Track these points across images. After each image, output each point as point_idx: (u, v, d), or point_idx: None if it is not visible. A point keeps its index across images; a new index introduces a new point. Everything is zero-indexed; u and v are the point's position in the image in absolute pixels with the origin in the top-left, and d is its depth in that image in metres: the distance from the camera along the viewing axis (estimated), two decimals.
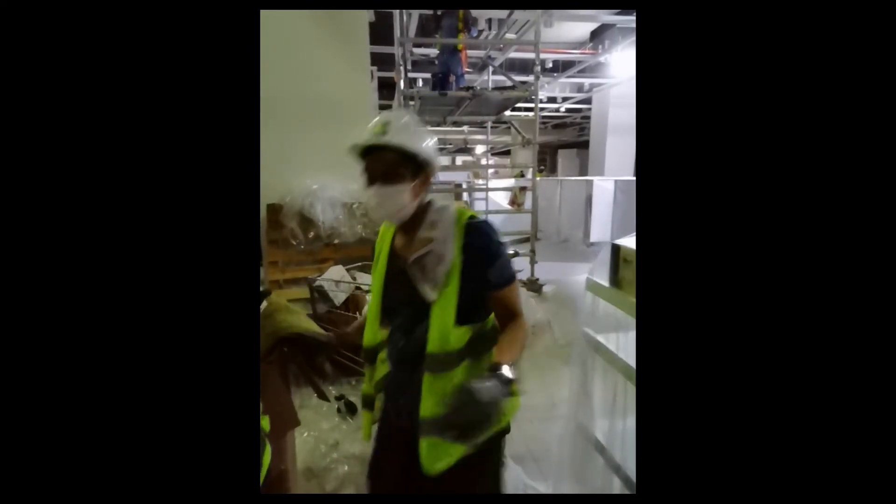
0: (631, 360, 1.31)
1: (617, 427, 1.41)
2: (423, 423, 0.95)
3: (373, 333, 1.11)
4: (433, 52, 5.71)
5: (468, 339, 0.99)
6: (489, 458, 1.06)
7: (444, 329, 0.95)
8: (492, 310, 1.05)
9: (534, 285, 4.57)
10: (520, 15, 5.68)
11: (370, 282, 1.12)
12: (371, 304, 1.10)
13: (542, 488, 1.92)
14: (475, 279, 0.96)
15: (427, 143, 0.98)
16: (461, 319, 0.96)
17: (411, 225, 1.01)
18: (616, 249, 1.39)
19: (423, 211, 1.02)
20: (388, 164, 0.95)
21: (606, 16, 6.08)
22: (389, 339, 1.10)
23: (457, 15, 4.50)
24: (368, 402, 1.17)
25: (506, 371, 0.86)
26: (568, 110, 11.79)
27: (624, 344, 1.37)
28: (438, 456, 0.94)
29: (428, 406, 0.95)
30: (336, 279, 2.75)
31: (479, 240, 0.98)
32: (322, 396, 1.71)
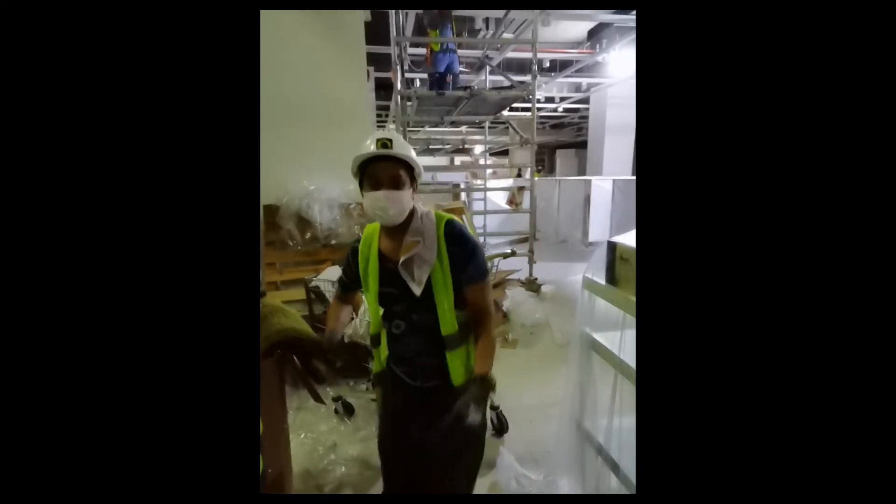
0: (628, 358, 1.31)
1: (615, 425, 1.41)
2: (454, 389, 1.18)
3: (377, 324, 1.30)
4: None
5: (462, 321, 1.20)
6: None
7: (447, 314, 1.17)
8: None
9: (532, 285, 4.57)
10: (517, 14, 5.67)
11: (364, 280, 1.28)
12: (370, 300, 1.26)
13: (535, 476, 1.93)
14: (457, 274, 1.17)
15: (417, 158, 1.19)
16: (455, 306, 1.18)
17: (399, 229, 1.17)
18: (612, 247, 1.39)
19: (409, 216, 1.18)
20: (393, 172, 1.12)
21: (604, 15, 6.09)
22: (388, 325, 1.25)
23: (449, 17, 4.55)
24: (381, 379, 1.36)
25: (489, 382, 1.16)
26: (566, 110, 11.79)
27: (621, 341, 1.37)
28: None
29: (456, 377, 1.19)
30: (332, 280, 2.74)
31: (458, 240, 1.18)
32: (317, 399, 1.70)
